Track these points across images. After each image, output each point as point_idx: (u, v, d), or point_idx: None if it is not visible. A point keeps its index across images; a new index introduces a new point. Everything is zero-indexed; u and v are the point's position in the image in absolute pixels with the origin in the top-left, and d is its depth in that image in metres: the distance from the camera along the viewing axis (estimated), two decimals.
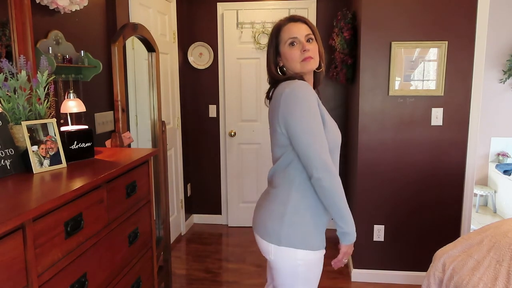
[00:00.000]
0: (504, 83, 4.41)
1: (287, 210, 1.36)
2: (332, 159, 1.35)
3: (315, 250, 1.38)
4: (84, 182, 1.23)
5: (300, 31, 1.37)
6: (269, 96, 1.46)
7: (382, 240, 2.76)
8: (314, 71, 1.44)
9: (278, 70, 1.44)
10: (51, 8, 1.81)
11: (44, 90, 1.42)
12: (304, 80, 1.39)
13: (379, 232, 2.75)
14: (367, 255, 2.79)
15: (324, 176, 1.25)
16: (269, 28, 3.54)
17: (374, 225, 2.74)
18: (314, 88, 1.46)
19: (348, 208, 1.33)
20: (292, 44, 1.37)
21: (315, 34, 1.40)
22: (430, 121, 2.60)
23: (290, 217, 1.35)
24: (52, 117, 1.46)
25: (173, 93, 3.40)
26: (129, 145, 2.26)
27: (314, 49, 1.38)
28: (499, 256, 1.66)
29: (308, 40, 1.37)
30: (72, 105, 1.69)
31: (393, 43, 2.53)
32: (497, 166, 4.49)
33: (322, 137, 1.28)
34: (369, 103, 2.63)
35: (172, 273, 2.86)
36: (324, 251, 1.42)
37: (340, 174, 1.38)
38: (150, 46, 2.47)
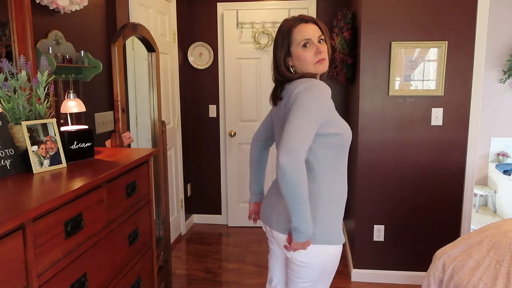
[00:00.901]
0: (504, 83, 4.41)
1: (319, 207, 1.37)
2: (342, 156, 1.42)
3: (342, 243, 1.43)
4: (84, 182, 1.23)
5: (313, 32, 1.37)
6: (278, 95, 1.43)
7: (382, 240, 2.76)
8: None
9: (287, 70, 1.44)
10: (51, 8, 1.81)
11: (44, 90, 1.42)
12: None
13: (379, 232, 2.75)
14: (367, 255, 2.79)
15: (291, 163, 1.20)
16: (269, 28, 3.54)
17: (374, 225, 2.74)
18: None
19: (306, 206, 1.27)
20: (305, 45, 1.36)
21: (325, 35, 1.41)
22: (430, 121, 2.60)
23: (322, 215, 1.37)
24: (52, 117, 1.46)
25: (173, 93, 3.40)
26: (129, 145, 2.26)
27: (326, 51, 1.39)
28: (499, 256, 1.66)
29: (319, 41, 1.38)
30: (72, 105, 1.69)
31: (393, 43, 2.53)
32: (497, 166, 4.49)
33: (308, 135, 1.26)
34: (369, 103, 2.63)
35: (172, 273, 2.86)
36: None
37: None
38: (150, 46, 2.47)
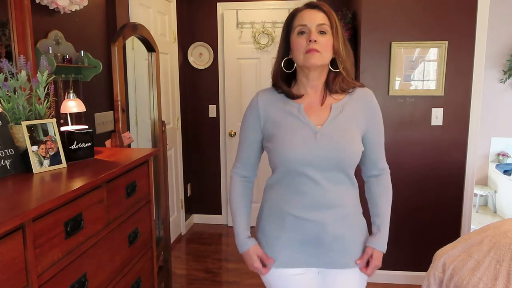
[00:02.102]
0: (504, 83, 4.41)
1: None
2: (286, 179, 1.23)
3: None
4: (84, 182, 1.22)
5: (312, 19, 1.18)
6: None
7: None
8: (330, 70, 1.25)
9: (283, 65, 1.27)
10: (51, 8, 1.81)
11: (44, 90, 1.42)
12: (305, 78, 1.24)
13: None
14: None
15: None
16: (269, 28, 3.54)
17: None
18: (331, 91, 1.26)
19: (234, 215, 1.32)
20: (301, 33, 1.19)
21: (333, 27, 1.20)
22: (430, 121, 2.60)
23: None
24: (52, 117, 1.46)
25: (173, 93, 3.40)
26: (129, 145, 2.26)
27: (324, 43, 1.18)
28: (499, 256, 1.66)
29: (321, 32, 1.18)
30: (72, 105, 1.69)
31: (393, 43, 2.53)
32: (497, 166, 4.49)
33: (240, 146, 1.34)
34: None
35: (172, 273, 2.86)
36: None
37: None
38: (150, 46, 2.47)
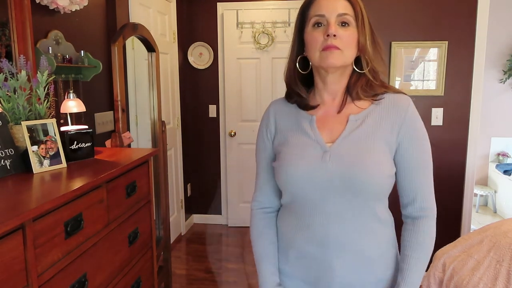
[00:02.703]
0: (504, 83, 4.40)
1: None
2: (292, 204, 1.01)
3: None
4: (84, 182, 1.22)
5: (332, 7, 0.93)
6: None
7: None
8: (353, 71, 0.99)
9: (298, 65, 1.01)
10: (51, 8, 1.81)
11: (44, 90, 1.42)
12: (322, 82, 1.00)
13: None
14: None
15: None
16: (269, 28, 3.54)
17: None
18: (353, 97, 1.00)
19: (258, 257, 1.07)
20: (317, 24, 0.95)
21: (358, 17, 0.97)
22: (430, 121, 2.60)
23: None
24: (52, 117, 1.46)
25: (173, 93, 3.40)
26: (129, 145, 2.26)
27: (347, 38, 0.94)
28: (499, 256, 1.66)
29: (342, 24, 0.94)
30: (72, 105, 1.68)
31: (393, 43, 2.53)
32: (497, 166, 4.49)
33: (257, 171, 1.12)
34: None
35: (172, 273, 2.86)
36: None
37: None
38: (150, 46, 2.47)
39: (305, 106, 1.02)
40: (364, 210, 0.95)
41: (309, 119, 1.00)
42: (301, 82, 1.03)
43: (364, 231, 0.96)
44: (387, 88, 1.00)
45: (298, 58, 1.01)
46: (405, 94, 1.01)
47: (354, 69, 0.99)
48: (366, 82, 0.99)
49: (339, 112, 0.99)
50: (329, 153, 0.94)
